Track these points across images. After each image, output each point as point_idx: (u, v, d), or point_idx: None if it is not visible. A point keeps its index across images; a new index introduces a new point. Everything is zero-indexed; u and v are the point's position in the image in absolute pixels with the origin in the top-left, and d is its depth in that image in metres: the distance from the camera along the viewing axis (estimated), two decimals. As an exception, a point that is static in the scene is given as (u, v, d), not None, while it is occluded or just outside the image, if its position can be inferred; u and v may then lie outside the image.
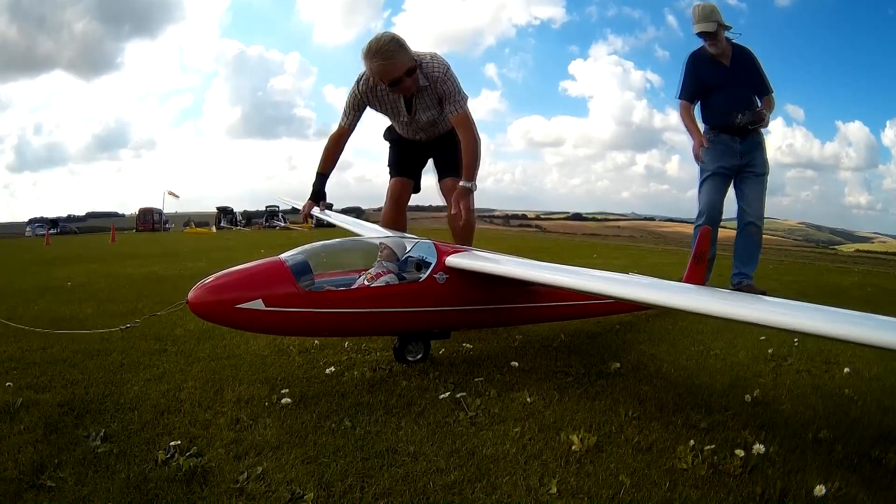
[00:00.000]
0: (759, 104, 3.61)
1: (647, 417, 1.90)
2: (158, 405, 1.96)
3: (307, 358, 2.59)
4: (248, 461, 1.55)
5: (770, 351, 2.75)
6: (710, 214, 3.76)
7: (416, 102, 2.90)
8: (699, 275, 3.51)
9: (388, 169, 3.39)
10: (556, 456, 1.62)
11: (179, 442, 1.62)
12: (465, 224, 2.93)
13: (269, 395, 2.08)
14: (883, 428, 1.87)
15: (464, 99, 2.88)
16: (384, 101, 2.97)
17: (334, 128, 3.20)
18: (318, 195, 3.31)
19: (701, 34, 3.50)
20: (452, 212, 2.86)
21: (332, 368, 2.38)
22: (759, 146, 3.70)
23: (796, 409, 2.04)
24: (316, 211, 3.46)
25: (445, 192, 3.12)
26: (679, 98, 3.74)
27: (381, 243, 2.58)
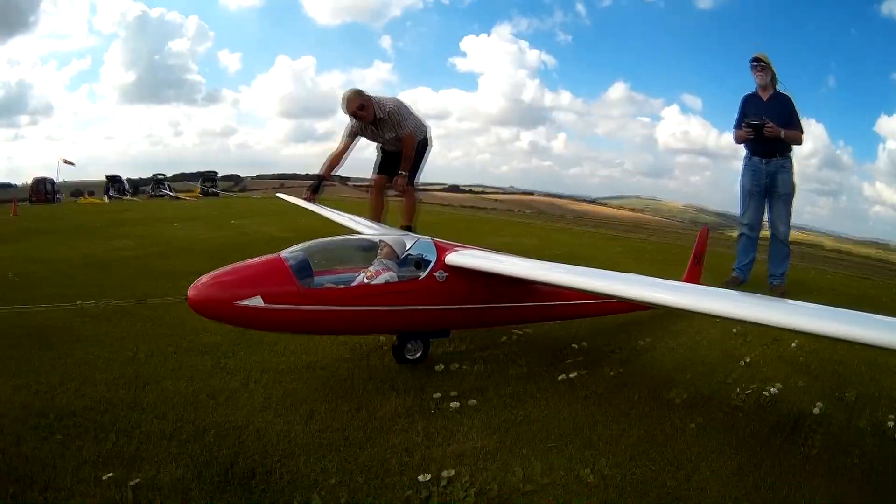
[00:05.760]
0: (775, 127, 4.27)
1: (695, 378, 2.56)
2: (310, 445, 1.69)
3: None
4: (499, 460, 1.62)
5: (734, 330, 3.28)
6: (751, 226, 4.56)
7: (381, 127, 4.40)
8: (698, 274, 3.72)
9: (373, 168, 4.83)
10: (666, 408, 2.17)
11: (430, 476, 1.51)
12: (405, 200, 4.63)
13: (421, 402, 2.07)
14: (839, 376, 2.70)
15: (408, 126, 4.39)
16: (366, 131, 4.48)
17: (338, 143, 4.54)
18: (315, 188, 4.53)
19: (754, 60, 4.38)
20: (396, 190, 4.48)
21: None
22: (783, 169, 4.36)
23: (776, 369, 2.75)
24: (306, 202, 4.58)
25: (395, 185, 4.54)
26: (733, 128, 4.60)
27: (380, 241, 2.47)
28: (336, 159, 4.47)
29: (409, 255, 2.48)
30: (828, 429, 2.09)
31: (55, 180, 24.06)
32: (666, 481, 1.62)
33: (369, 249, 2.49)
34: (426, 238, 2.57)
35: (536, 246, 6.83)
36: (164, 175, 31.15)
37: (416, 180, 4.64)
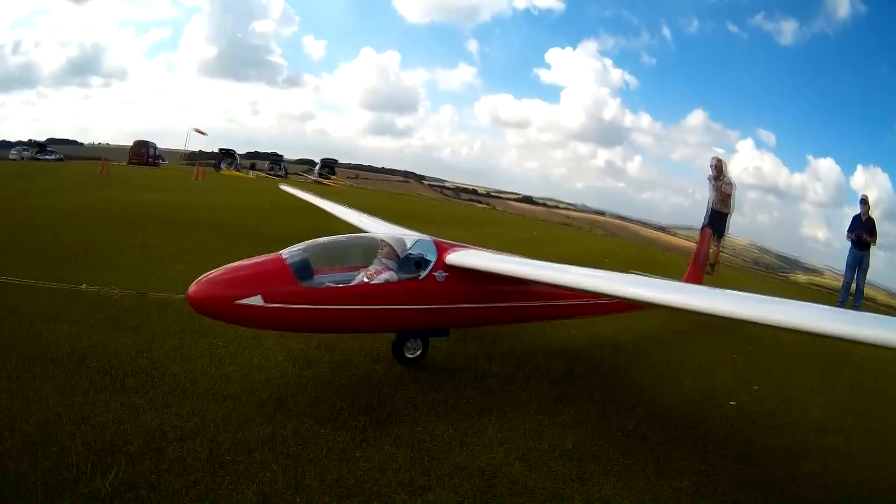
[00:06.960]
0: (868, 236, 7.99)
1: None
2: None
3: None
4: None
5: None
6: (847, 283, 8.04)
7: (721, 185, 7.84)
8: (699, 275, 3.77)
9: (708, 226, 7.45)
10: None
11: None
12: (713, 244, 7.21)
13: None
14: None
15: (733, 204, 7.96)
16: (711, 183, 7.92)
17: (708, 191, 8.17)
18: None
19: (863, 200, 8.22)
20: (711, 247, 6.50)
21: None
22: (866, 256, 7.94)
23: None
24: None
25: (707, 237, 5.84)
26: (847, 232, 8.18)
27: (381, 240, 2.50)
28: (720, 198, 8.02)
29: (410, 254, 2.51)
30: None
31: (157, 146, 24.33)
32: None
33: (370, 248, 2.51)
34: (427, 237, 2.60)
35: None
36: (278, 155, 29.79)
37: (725, 235, 8.28)
